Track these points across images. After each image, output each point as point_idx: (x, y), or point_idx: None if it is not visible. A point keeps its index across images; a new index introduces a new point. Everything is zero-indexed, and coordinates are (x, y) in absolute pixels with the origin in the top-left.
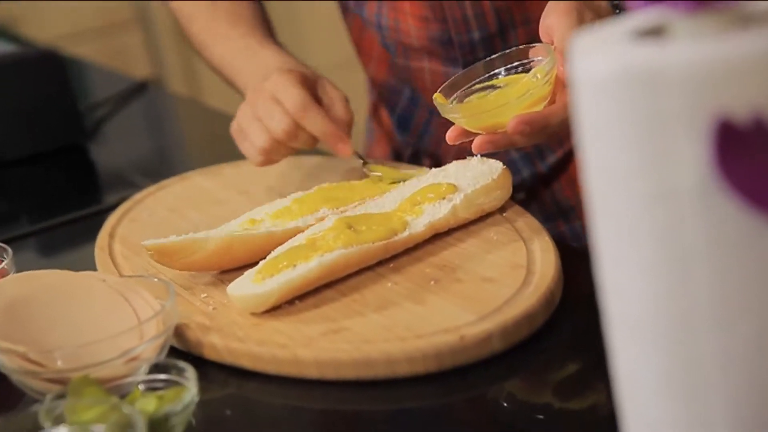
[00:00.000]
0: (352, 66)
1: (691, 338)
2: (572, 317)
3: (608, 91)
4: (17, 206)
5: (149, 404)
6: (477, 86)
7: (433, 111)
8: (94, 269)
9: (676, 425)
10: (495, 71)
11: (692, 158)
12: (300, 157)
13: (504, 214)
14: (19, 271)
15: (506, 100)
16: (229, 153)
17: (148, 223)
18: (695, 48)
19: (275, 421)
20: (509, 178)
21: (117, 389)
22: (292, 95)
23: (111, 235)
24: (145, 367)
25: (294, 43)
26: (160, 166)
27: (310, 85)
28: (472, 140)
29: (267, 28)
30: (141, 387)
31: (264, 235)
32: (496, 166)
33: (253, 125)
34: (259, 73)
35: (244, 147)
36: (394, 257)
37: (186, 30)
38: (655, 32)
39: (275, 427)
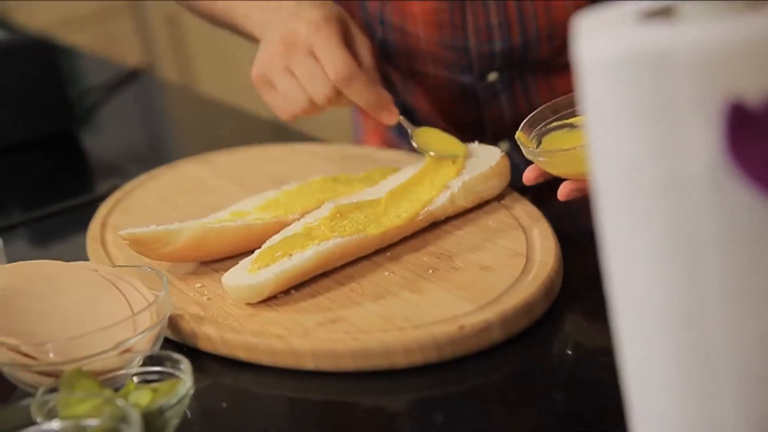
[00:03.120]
0: None
1: (701, 330)
2: (573, 307)
3: (615, 74)
4: (7, 195)
5: (143, 397)
6: (555, 123)
7: (433, 113)
8: (86, 259)
9: (685, 419)
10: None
11: (702, 144)
12: (294, 144)
13: (502, 202)
14: (9, 261)
15: None
16: (221, 141)
17: (139, 213)
18: (705, 29)
19: (272, 413)
20: (507, 166)
21: (111, 382)
22: (337, 59)
23: (103, 225)
24: (139, 359)
25: None
26: (151, 155)
27: (346, 35)
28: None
29: None
30: (135, 380)
31: (240, 228)
32: (495, 153)
33: (287, 81)
34: (277, 7)
35: (271, 98)
36: (391, 246)
37: None
38: (662, 14)
39: (272, 420)
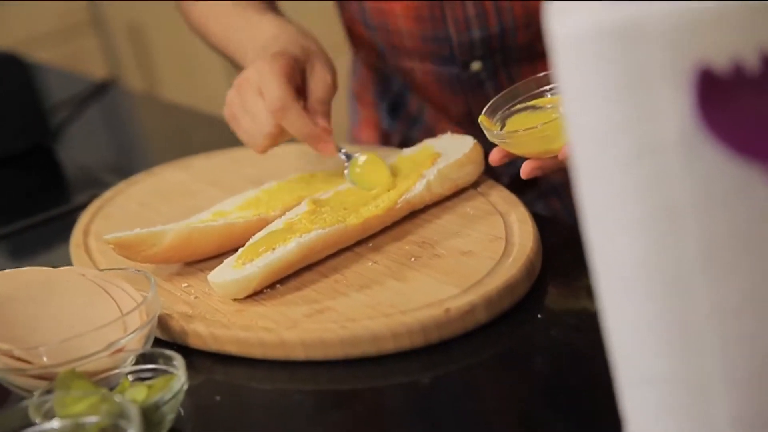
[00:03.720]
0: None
1: (683, 292)
2: (554, 285)
3: (587, 48)
4: None
5: (139, 393)
6: (518, 106)
7: (425, 103)
8: None
9: (672, 380)
10: (538, 90)
11: (675, 111)
12: None
13: (478, 189)
14: None
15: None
16: (194, 146)
17: (122, 219)
18: (672, 0)
19: (265, 404)
20: (481, 153)
21: (104, 382)
22: (272, 92)
23: (85, 233)
24: (131, 359)
25: None
26: (126, 163)
27: (299, 68)
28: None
29: (269, 1)
30: (129, 378)
31: (224, 227)
32: (467, 141)
33: (245, 117)
34: (257, 44)
35: (240, 135)
36: (373, 237)
37: (187, 15)
38: None
39: (266, 411)
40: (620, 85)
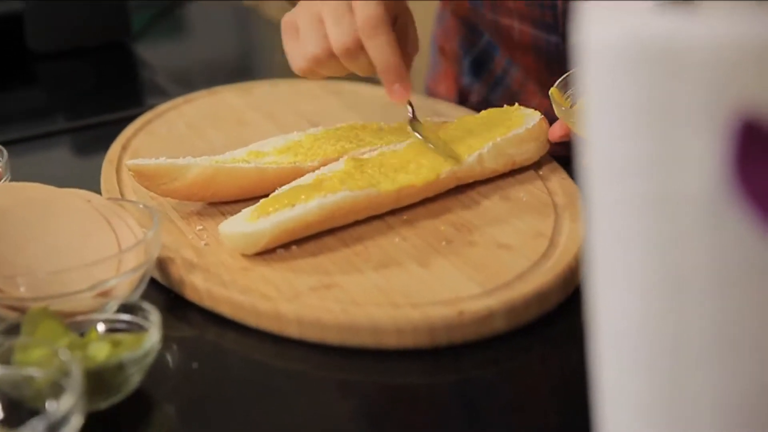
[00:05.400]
0: None
1: (680, 368)
2: None
3: (616, 64)
4: (52, 101)
5: (101, 350)
6: None
7: (512, 63)
8: None
9: None
10: None
11: (704, 158)
12: (341, 82)
13: (539, 172)
14: (29, 174)
15: None
16: (281, 71)
17: (165, 138)
18: (727, 26)
19: (245, 379)
20: (545, 130)
21: (78, 326)
22: (369, 8)
23: (124, 147)
24: (112, 304)
25: None
26: (199, 77)
27: (390, 12)
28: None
29: None
30: (101, 328)
31: (253, 170)
32: (533, 115)
33: (312, 27)
34: None
35: (290, 46)
36: (409, 208)
37: None
38: (681, 3)
39: (244, 386)
40: (645, 116)
